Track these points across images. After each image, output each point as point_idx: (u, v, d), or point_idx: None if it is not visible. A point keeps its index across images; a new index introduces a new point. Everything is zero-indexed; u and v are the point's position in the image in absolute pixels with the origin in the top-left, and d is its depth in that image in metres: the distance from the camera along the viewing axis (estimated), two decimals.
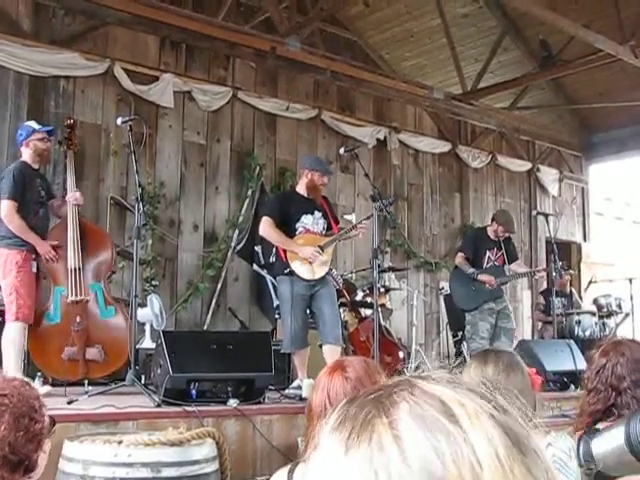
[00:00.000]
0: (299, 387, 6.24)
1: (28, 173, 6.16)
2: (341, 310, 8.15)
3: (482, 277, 8.34)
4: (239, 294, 9.94)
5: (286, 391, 6.33)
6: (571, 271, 9.98)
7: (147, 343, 7.57)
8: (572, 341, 8.20)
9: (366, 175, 7.19)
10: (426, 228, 12.30)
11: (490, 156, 13.21)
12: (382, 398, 0.78)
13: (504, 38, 11.71)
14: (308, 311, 6.60)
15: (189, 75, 9.72)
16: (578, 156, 14.92)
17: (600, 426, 2.68)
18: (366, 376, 2.30)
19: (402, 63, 12.29)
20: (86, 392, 5.43)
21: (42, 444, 2.19)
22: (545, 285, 12.28)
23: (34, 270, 6.10)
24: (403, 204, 12.00)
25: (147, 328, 7.77)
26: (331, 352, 6.27)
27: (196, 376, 5.32)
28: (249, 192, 10.00)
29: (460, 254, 8.73)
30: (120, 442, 3.95)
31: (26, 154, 6.23)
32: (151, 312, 7.67)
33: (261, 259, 9.41)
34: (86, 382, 5.83)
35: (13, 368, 5.63)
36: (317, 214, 6.67)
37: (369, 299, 8.71)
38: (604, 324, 10.52)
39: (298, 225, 6.56)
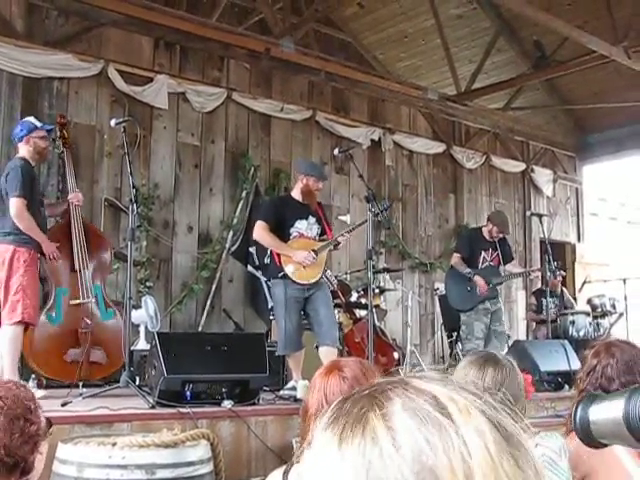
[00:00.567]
0: (294, 388, 6.24)
1: (31, 170, 6.10)
2: (336, 311, 8.14)
3: (476, 280, 8.33)
4: (234, 295, 9.93)
5: (281, 392, 6.33)
6: (562, 272, 9.96)
7: (142, 344, 7.56)
8: (566, 341, 8.20)
9: (360, 176, 7.20)
10: (420, 229, 12.31)
11: (484, 157, 13.23)
12: (376, 394, 0.79)
13: (498, 39, 11.73)
14: (303, 313, 6.61)
15: (183, 76, 9.71)
16: (572, 156, 14.95)
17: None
18: (362, 376, 2.30)
19: (396, 64, 12.30)
20: (80, 394, 5.42)
21: (38, 446, 2.19)
22: (539, 285, 12.29)
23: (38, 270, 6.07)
24: (397, 205, 12.00)
25: (142, 329, 7.76)
26: (328, 354, 6.27)
27: (190, 377, 5.30)
28: (243, 193, 9.99)
29: (456, 254, 8.74)
30: (114, 444, 3.94)
31: (25, 151, 6.07)
32: (146, 314, 7.66)
33: (255, 260, 9.40)
34: (80, 384, 5.81)
35: (10, 371, 5.59)
36: (311, 219, 6.67)
37: (364, 300, 8.71)
38: (598, 324, 10.53)
39: (292, 230, 6.57)
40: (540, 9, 9.65)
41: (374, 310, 7.19)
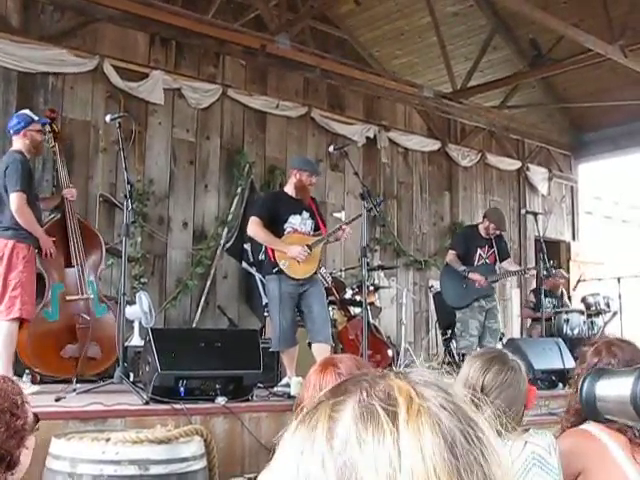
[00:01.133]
0: (287, 385, 6.24)
1: (29, 164, 6.06)
2: (330, 308, 8.14)
3: (472, 276, 8.35)
4: (228, 292, 9.93)
5: (274, 389, 6.33)
6: (565, 274, 9.98)
7: (136, 340, 7.55)
8: (560, 339, 8.21)
9: (355, 173, 7.21)
10: (415, 226, 12.31)
11: (480, 155, 13.23)
12: (344, 384, 0.81)
13: (494, 37, 11.74)
14: (297, 310, 6.61)
15: (179, 72, 9.70)
16: (567, 155, 14.97)
17: (587, 425, 2.69)
18: (358, 371, 2.29)
19: (392, 61, 12.29)
20: (74, 389, 5.41)
21: (24, 440, 2.18)
22: (535, 283, 12.31)
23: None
24: (392, 202, 12.01)
25: (136, 325, 7.76)
26: (320, 351, 6.28)
27: (184, 374, 5.30)
28: (238, 190, 9.98)
29: (451, 252, 8.75)
30: (108, 439, 3.94)
31: (21, 144, 6.04)
32: (140, 309, 7.65)
33: (250, 257, 9.40)
34: (74, 379, 5.80)
35: (5, 366, 5.57)
36: (305, 214, 6.68)
37: (358, 297, 8.71)
38: (592, 323, 10.54)
39: (286, 225, 6.57)
40: (536, 7, 9.66)
41: (368, 307, 7.19)
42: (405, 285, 11.40)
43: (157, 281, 9.34)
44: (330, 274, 8.96)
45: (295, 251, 6.42)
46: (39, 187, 7.74)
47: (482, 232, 8.62)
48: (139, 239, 9.06)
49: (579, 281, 13.18)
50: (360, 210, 6.70)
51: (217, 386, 5.35)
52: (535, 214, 10.37)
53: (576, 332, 10.21)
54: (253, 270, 9.30)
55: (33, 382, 6.06)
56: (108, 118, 6.28)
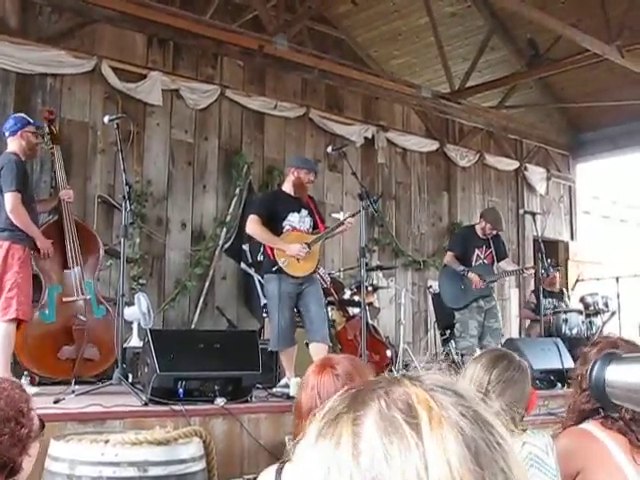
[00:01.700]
0: (286, 385, 6.24)
1: (24, 165, 6.05)
2: (329, 309, 8.15)
3: (470, 277, 8.35)
4: (227, 293, 9.93)
5: (273, 390, 6.32)
6: (558, 268, 9.97)
7: (134, 342, 7.55)
8: (559, 339, 8.22)
9: (354, 174, 7.20)
10: (414, 227, 12.31)
11: (478, 155, 13.23)
12: (360, 394, 0.80)
13: (492, 37, 11.74)
14: (295, 309, 6.61)
15: (177, 73, 9.70)
16: (565, 155, 14.98)
17: (586, 425, 2.69)
18: (355, 372, 2.29)
19: (390, 61, 12.29)
20: (73, 391, 5.41)
21: (27, 448, 2.17)
22: (533, 283, 12.32)
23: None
24: (391, 203, 12.01)
25: (134, 327, 7.75)
26: (318, 350, 6.28)
27: (183, 375, 5.30)
28: (237, 190, 9.98)
29: (449, 252, 8.75)
30: (107, 441, 3.93)
31: (16, 145, 6.03)
32: (138, 311, 7.65)
33: (249, 257, 9.38)
34: (73, 381, 5.80)
35: (2, 368, 5.57)
36: (303, 212, 6.69)
37: (357, 297, 8.70)
38: (591, 322, 10.55)
39: (285, 223, 6.58)
40: (534, 7, 9.67)
41: (367, 308, 7.19)
42: (404, 285, 11.39)
43: (156, 282, 9.34)
44: (329, 274, 8.97)
45: (294, 249, 6.43)
46: (37, 189, 7.76)
47: (479, 232, 8.62)
48: (137, 240, 9.05)
49: (577, 281, 13.20)
50: (347, 220, 6.70)
51: (216, 387, 5.35)
52: (533, 214, 10.37)
53: (575, 332, 10.22)
54: (252, 271, 9.29)
55: (32, 384, 6.04)
56: (106, 119, 6.28)
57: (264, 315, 8.16)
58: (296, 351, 6.56)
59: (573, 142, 14.80)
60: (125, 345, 6.58)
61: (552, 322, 10.31)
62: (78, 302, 6.35)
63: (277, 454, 4.74)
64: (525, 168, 14.01)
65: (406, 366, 9.10)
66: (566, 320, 10.32)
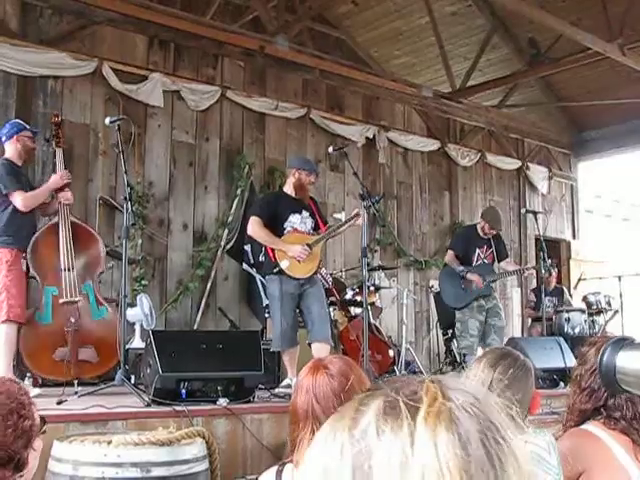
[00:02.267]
0: (289, 386, 6.23)
1: (17, 168, 6.11)
2: (331, 309, 8.15)
3: (470, 277, 8.35)
4: (229, 293, 9.93)
5: (276, 390, 6.32)
6: (553, 266, 9.94)
7: (137, 343, 7.55)
8: (561, 338, 8.21)
9: (355, 174, 7.20)
10: (415, 226, 12.31)
11: (479, 154, 13.23)
12: (379, 385, 0.83)
13: (493, 36, 11.74)
14: (297, 310, 6.61)
15: (178, 74, 9.70)
16: (567, 154, 14.97)
17: (589, 425, 2.69)
18: (349, 369, 2.27)
19: (391, 61, 12.29)
20: (75, 392, 5.41)
21: (32, 441, 2.19)
22: (534, 283, 12.32)
23: (24, 269, 6.07)
24: (392, 203, 12.01)
25: (137, 328, 7.75)
26: (320, 351, 6.27)
27: (186, 376, 5.30)
28: (238, 191, 9.98)
29: (450, 252, 8.75)
30: (109, 442, 3.94)
31: (12, 150, 6.12)
32: (141, 312, 7.65)
33: (250, 258, 9.37)
34: (76, 382, 5.81)
35: (4, 369, 5.59)
36: (305, 213, 6.69)
37: (359, 298, 8.70)
38: (593, 321, 10.54)
39: (286, 224, 6.58)
40: (535, 6, 9.67)
41: (369, 308, 7.19)
42: (406, 285, 11.40)
43: (158, 283, 9.34)
44: (331, 275, 8.97)
45: (295, 250, 6.43)
46: None
47: (480, 232, 8.62)
48: (139, 241, 9.06)
49: (580, 280, 13.20)
50: (360, 211, 6.69)
51: (218, 388, 5.35)
52: (535, 213, 10.37)
53: (577, 331, 10.21)
54: (254, 271, 9.30)
55: (34, 385, 6.06)
56: (107, 121, 6.29)
57: (266, 316, 8.16)
58: (298, 352, 6.56)
59: (575, 141, 14.80)
60: (127, 346, 6.57)
61: (554, 321, 10.32)
62: (74, 303, 6.33)
63: (280, 454, 4.74)
64: (527, 167, 14.00)
65: (408, 364, 9.12)
66: (568, 319, 10.32)
